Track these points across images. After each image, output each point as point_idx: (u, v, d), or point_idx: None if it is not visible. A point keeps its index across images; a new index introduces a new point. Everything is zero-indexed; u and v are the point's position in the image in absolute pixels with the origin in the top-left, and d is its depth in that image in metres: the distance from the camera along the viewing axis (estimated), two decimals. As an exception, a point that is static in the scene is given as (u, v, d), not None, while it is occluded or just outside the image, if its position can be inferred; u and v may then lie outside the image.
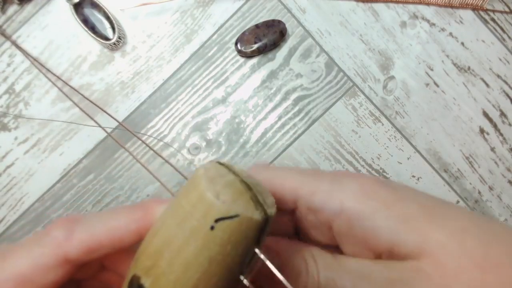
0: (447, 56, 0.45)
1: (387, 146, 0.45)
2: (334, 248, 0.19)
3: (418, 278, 0.15)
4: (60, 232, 0.17)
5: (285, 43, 0.44)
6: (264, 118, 0.44)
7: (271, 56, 0.44)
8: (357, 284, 0.17)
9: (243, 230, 0.15)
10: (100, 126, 0.43)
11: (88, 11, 0.42)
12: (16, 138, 0.43)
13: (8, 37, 0.43)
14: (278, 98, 0.44)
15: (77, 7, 0.42)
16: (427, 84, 0.45)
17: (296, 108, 0.44)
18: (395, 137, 0.45)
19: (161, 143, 0.44)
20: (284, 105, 0.44)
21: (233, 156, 0.44)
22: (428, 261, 0.15)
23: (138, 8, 0.44)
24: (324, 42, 0.44)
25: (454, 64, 0.45)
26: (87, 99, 0.43)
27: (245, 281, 0.16)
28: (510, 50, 0.45)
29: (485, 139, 0.45)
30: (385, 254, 0.17)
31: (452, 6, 0.45)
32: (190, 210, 0.15)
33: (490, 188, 0.45)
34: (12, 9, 0.43)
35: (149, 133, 0.44)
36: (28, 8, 0.43)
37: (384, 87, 0.45)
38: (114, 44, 0.42)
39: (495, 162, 0.45)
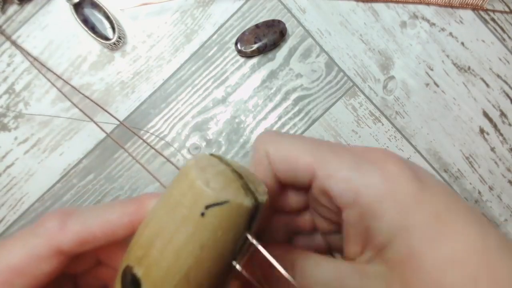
0: (447, 56, 0.45)
1: (387, 146, 0.45)
2: (339, 227, 0.19)
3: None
4: (53, 223, 0.17)
5: (285, 43, 0.44)
6: (264, 118, 0.44)
7: (271, 56, 0.44)
8: None
9: (234, 216, 0.15)
10: (98, 126, 0.43)
11: (88, 11, 0.42)
12: (16, 138, 0.43)
13: (7, 37, 0.43)
14: (278, 98, 0.44)
15: (77, 7, 0.42)
16: (427, 84, 0.45)
17: (296, 108, 0.44)
18: (395, 137, 0.45)
19: (162, 142, 0.44)
20: (284, 105, 0.44)
21: (233, 156, 0.44)
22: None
23: (138, 8, 0.44)
24: (324, 42, 0.44)
25: (454, 64, 0.45)
26: (88, 97, 0.43)
27: (238, 267, 0.16)
28: (510, 50, 0.45)
29: (485, 139, 0.45)
30: (373, 251, 0.17)
31: (452, 6, 0.45)
32: (180, 199, 0.16)
33: (490, 188, 0.45)
34: (12, 9, 0.43)
35: (149, 132, 0.44)
36: (28, 8, 0.43)
37: (384, 87, 0.45)
38: (114, 44, 0.42)
39: (495, 162, 0.45)
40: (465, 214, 0.16)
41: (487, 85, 0.45)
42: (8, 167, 0.43)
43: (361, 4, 0.44)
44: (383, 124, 0.45)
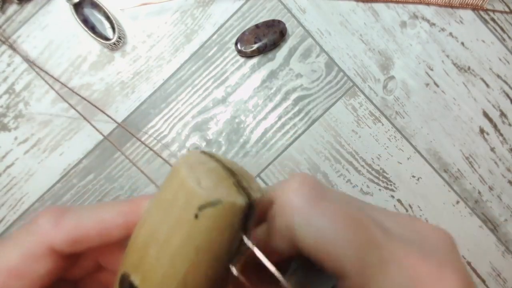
0: (447, 56, 0.45)
1: (387, 146, 0.45)
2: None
3: None
4: (46, 220, 0.17)
5: (285, 43, 0.44)
6: (264, 118, 0.44)
7: (271, 56, 0.44)
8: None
9: (228, 216, 0.15)
10: (96, 128, 0.43)
11: (88, 11, 0.42)
12: (16, 138, 0.43)
13: (4, 41, 0.43)
14: (278, 98, 0.44)
15: (77, 7, 0.42)
16: (427, 84, 0.45)
17: (296, 108, 0.44)
18: (395, 137, 0.45)
19: (162, 141, 0.44)
20: (284, 105, 0.44)
21: (233, 156, 0.44)
22: None
23: (138, 8, 0.44)
24: (324, 42, 0.44)
25: (454, 64, 0.45)
26: (85, 99, 0.43)
27: (234, 270, 0.16)
28: (510, 50, 0.45)
29: (485, 139, 0.45)
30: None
31: (452, 6, 0.45)
32: (172, 200, 0.15)
33: (490, 188, 0.45)
34: (12, 9, 0.43)
35: (149, 133, 0.44)
36: (28, 8, 0.43)
37: (384, 87, 0.45)
38: (114, 44, 0.42)
39: (495, 162, 0.45)
40: None
41: (487, 85, 0.45)
42: (8, 167, 0.43)
43: (361, 4, 0.44)
44: (383, 124, 0.45)
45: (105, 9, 0.42)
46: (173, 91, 0.44)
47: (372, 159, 0.45)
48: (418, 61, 0.45)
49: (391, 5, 0.45)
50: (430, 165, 0.45)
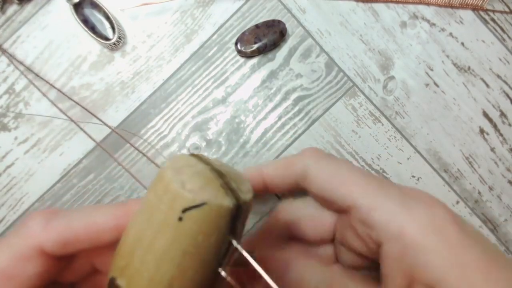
0: (447, 56, 0.45)
1: (387, 146, 0.45)
2: (363, 260, 0.18)
3: None
4: (36, 222, 0.17)
5: (285, 43, 0.44)
6: (264, 118, 0.44)
7: (271, 56, 0.44)
8: None
9: (213, 218, 0.14)
10: (88, 135, 0.43)
11: (88, 11, 0.42)
12: (16, 138, 0.43)
13: None
14: (278, 98, 0.44)
15: (77, 7, 0.42)
16: (427, 84, 0.45)
17: (296, 108, 0.44)
18: (395, 137, 0.45)
19: (162, 142, 0.44)
20: (284, 105, 0.44)
21: (233, 156, 0.44)
22: None
23: (138, 8, 0.44)
24: (324, 42, 0.44)
25: (454, 64, 0.45)
26: (79, 104, 0.43)
27: (223, 273, 0.15)
28: (510, 50, 0.45)
29: (485, 139, 0.45)
30: (421, 286, 0.16)
31: (452, 6, 0.45)
32: (156, 203, 0.15)
33: (490, 188, 0.45)
34: (12, 9, 0.43)
35: (149, 133, 0.44)
36: (28, 8, 0.43)
37: (384, 87, 0.45)
38: (114, 44, 0.42)
39: (495, 162, 0.45)
40: (504, 259, 0.16)
41: (487, 85, 0.45)
42: (8, 167, 0.43)
43: (361, 4, 0.44)
44: (383, 124, 0.45)
45: (105, 9, 0.42)
46: (173, 91, 0.44)
47: (372, 159, 0.45)
48: (418, 61, 0.45)
49: (391, 5, 0.45)
50: (430, 165, 0.45)
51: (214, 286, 0.16)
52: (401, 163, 0.45)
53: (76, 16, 0.42)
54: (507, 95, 0.45)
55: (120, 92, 0.44)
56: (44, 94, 0.42)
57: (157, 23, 0.44)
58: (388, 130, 0.45)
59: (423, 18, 0.45)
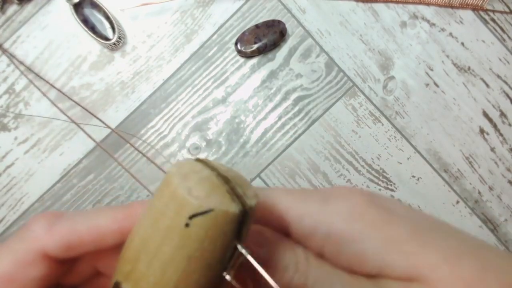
0: (447, 56, 0.45)
1: (387, 146, 0.45)
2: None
3: None
4: (39, 226, 0.17)
5: (285, 43, 0.44)
6: (264, 118, 0.44)
7: (271, 56, 0.44)
8: None
9: (220, 224, 0.15)
10: (88, 135, 0.43)
11: (88, 11, 0.42)
12: (16, 138, 0.43)
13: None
14: (278, 98, 0.44)
15: (77, 7, 0.42)
16: (427, 84, 0.45)
17: (296, 108, 0.44)
18: (395, 137, 0.45)
19: (161, 143, 0.44)
20: (284, 105, 0.44)
21: (233, 156, 0.44)
22: (420, 286, 0.15)
23: (138, 8, 0.44)
24: (324, 42, 0.44)
25: (454, 64, 0.45)
26: (78, 104, 0.43)
27: (228, 277, 0.16)
28: (510, 50, 0.45)
29: (485, 139, 0.45)
30: (370, 277, 0.16)
31: (452, 6, 0.45)
32: (163, 209, 0.15)
33: (490, 188, 0.45)
34: (12, 9, 0.43)
35: (149, 133, 0.44)
36: (28, 8, 0.43)
37: (384, 87, 0.45)
38: (114, 44, 0.42)
39: (495, 162, 0.45)
40: (441, 223, 0.17)
41: (487, 85, 0.45)
42: (8, 167, 0.43)
43: (361, 4, 0.44)
44: (383, 124, 0.45)
45: (105, 9, 0.42)
46: (173, 91, 0.44)
47: (372, 159, 0.45)
48: (418, 61, 0.45)
49: (391, 5, 0.45)
50: (430, 165, 0.45)
51: None
52: (401, 163, 0.45)
53: (76, 16, 0.42)
54: (507, 95, 0.45)
55: (120, 92, 0.44)
56: (44, 94, 0.42)
57: (157, 23, 0.44)
58: (388, 130, 0.45)
59: (423, 18, 0.45)
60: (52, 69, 0.43)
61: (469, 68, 0.45)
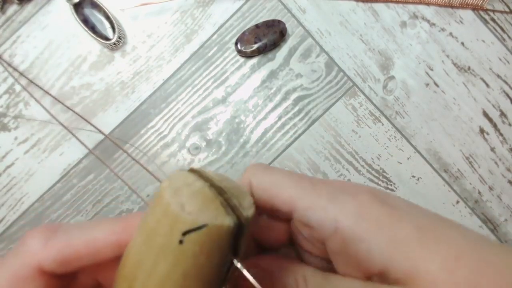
0: (447, 56, 0.45)
1: (387, 146, 0.45)
2: (326, 261, 0.19)
3: None
4: (35, 241, 0.16)
5: (285, 43, 0.44)
6: (264, 118, 0.44)
7: (271, 56, 0.44)
8: None
9: (215, 239, 0.14)
10: (80, 142, 0.43)
11: (88, 11, 0.42)
12: (16, 138, 0.43)
13: None
14: (278, 98, 0.44)
15: (77, 7, 0.42)
16: (427, 84, 0.45)
17: (296, 108, 0.44)
18: (395, 137, 0.45)
19: (162, 142, 0.44)
20: (284, 105, 0.44)
21: (233, 156, 0.44)
22: None
23: (138, 8, 0.44)
24: (324, 42, 0.44)
25: (454, 64, 0.45)
26: (72, 110, 0.43)
27: None
28: (510, 50, 0.45)
29: (485, 139, 0.45)
30: (376, 276, 0.16)
31: (452, 6, 0.45)
32: (156, 226, 0.15)
33: (490, 188, 0.45)
34: (12, 9, 0.43)
35: (149, 133, 0.44)
36: (28, 8, 0.43)
37: (384, 87, 0.45)
38: (114, 44, 0.42)
39: (495, 162, 0.45)
40: (443, 221, 0.16)
41: (487, 85, 0.45)
42: (8, 167, 0.43)
43: (361, 4, 0.44)
44: (383, 124, 0.45)
45: (105, 9, 0.42)
46: (173, 91, 0.44)
47: (372, 159, 0.45)
48: (418, 61, 0.45)
49: (391, 5, 0.45)
50: (430, 165, 0.45)
51: None
52: (401, 163, 0.45)
53: (76, 16, 0.42)
54: (507, 95, 0.45)
55: (120, 92, 0.44)
56: (37, 101, 0.42)
57: (157, 23, 0.44)
58: (388, 130, 0.45)
59: (423, 18, 0.45)
60: (52, 69, 0.43)
61: (469, 68, 0.45)
